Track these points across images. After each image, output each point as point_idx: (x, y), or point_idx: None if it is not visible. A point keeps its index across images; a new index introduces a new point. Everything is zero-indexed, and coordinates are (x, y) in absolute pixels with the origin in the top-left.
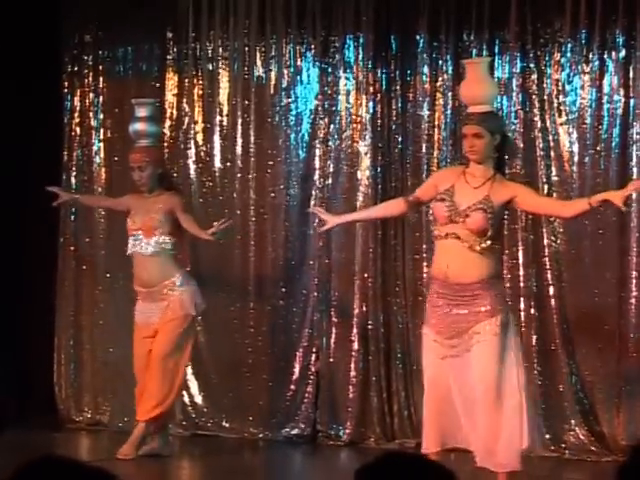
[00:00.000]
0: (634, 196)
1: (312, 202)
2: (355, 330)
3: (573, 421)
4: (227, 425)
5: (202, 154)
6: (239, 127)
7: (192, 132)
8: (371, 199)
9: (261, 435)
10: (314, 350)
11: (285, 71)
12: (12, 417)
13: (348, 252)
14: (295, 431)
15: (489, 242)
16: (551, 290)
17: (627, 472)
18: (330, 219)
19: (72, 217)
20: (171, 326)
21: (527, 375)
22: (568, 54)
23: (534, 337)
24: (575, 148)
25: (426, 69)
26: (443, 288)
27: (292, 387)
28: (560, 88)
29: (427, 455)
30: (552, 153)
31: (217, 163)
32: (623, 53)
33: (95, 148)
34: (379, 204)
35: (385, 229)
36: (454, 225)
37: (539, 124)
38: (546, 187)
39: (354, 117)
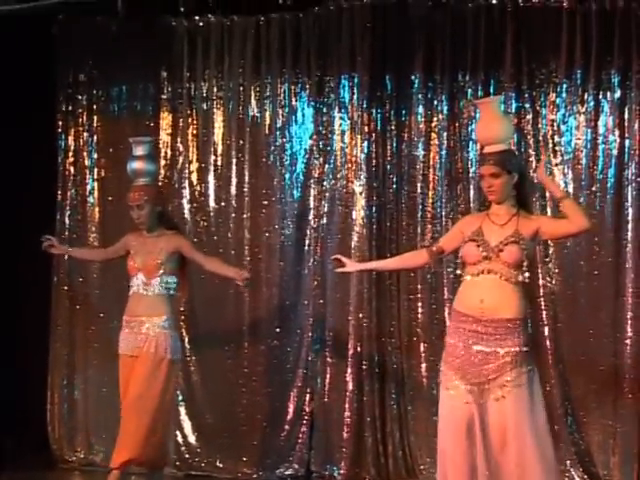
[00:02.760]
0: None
1: (307, 242)
2: (349, 370)
3: (568, 462)
4: (221, 465)
5: (196, 194)
6: (234, 167)
7: (186, 171)
8: (366, 239)
9: (255, 475)
10: (308, 390)
11: (280, 111)
12: (10, 456)
13: (342, 292)
14: (289, 471)
15: (526, 275)
16: (546, 331)
17: None
18: (349, 264)
19: (66, 256)
20: (153, 365)
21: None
22: (563, 94)
23: None
24: (570, 188)
25: (421, 109)
26: (474, 325)
27: (286, 427)
28: (555, 128)
29: None
30: (547, 194)
31: (211, 203)
32: (618, 94)
33: (89, 187)
34: (400, 255)
35: None
36: (488, 262)
37: (534, 164)
38: None
39: (349, 157)
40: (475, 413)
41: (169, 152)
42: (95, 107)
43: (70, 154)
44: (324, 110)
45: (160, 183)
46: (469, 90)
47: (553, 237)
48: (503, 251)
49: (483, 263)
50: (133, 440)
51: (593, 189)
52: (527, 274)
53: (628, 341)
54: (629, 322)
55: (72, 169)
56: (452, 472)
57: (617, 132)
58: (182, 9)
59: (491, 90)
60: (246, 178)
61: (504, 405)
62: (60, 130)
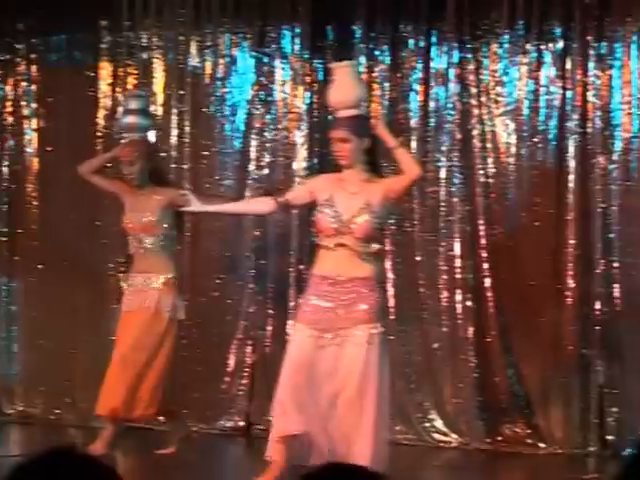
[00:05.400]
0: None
1: (247, 193)
2: (291, 322)
3: (509, 413)
4: (161, 417)
5: None
6: (174, 117)
7: None
8: None
9: (195, 428)
10: (249, 342)
11: (220, 61)
12: None
13: (284, 243)
14: (230, 424)
15: (376, 246)
16: (487, 282)
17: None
18: (195, 204)
19: (5, 207)
20: (143, 320)
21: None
22: (505, 45)
23: (470, 329)
24: (512, 140)
25: (363, 59)
26: (331, 286)
27: (227, 379)
28: (497, 79)
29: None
30: (489, 145)
31: None
32: (560, 44)
33: (28, 137)
34: (247, 200)
35: None
36: (341, 236)
37: (476, 115)
38: (483, 179)
39: (290, 107)
40: (320, 358)
41: (109, 102)
42: (34, 56)
43: (8, 104)
44: (265, 60)
45: (100, 134)
46: (411, 40)
47: (398, 194)
48: (355, 224)
49: (336, 237)
50: (119, 390)
51: (535, 140)
52: (376, 246)
53: (569, 292)
54: (570, 273)
55: (10, 119)
56: (292, 419)
57: (559, 83)
58: None
59: (433, 40)
60: (186, 129)
61: (350, 357)
62: None
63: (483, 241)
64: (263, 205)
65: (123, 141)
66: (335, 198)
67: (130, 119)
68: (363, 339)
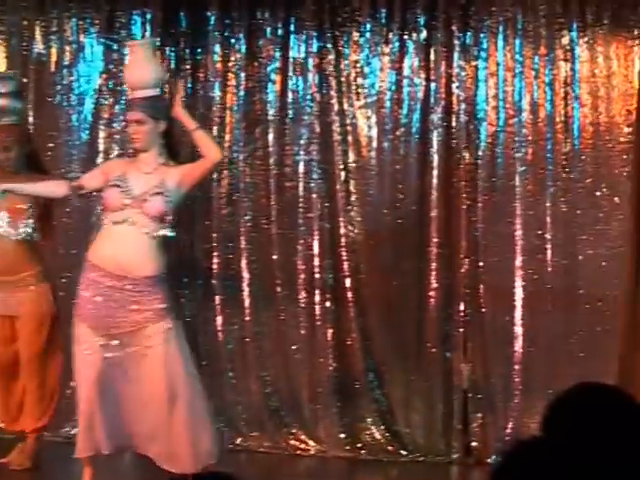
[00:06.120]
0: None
1: None
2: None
3: (369, 419)
4: (2, 425)
5: None
6: None
7: None
8: None
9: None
10: None
11: (67, 47)
12: None
13: None
14: (74, 431)
15: (167, 230)
16: (347, 282)
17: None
18: None
19: None
20: (38, 322)
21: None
22: (367, 34)
23: (329, 331)
24: (374, 133)
25: (218, 48)
26: (109, 280)
27: (72, 384)
28: (358, 70)
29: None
30: (349, 138)
31: None
32: (424, 34)
33: None
34: (44, 181)
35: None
36: (130, 211)
37: (336, 107)
38: (343, 174)
39: None
40: (113, 368)
41: None
42: None
43: None
44: (114, 47)
45: None
46: (268, 28)
47: (195, 179)
48: (147, 201)
49: (124, 211)
50: (42, 401)
51: (397, 134)
52: (170, 229)
53: (432, 293)
54: (433, 273)
55: None
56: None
57: (422, 74)
58: None
59: (291, 29)
60: (30, 119)
61: (147, 361)
62: None
63: (343, 239)
64: (57, 188)
65: None
66: (128, 176)
67: (1, 102)
68: (158, 339)
